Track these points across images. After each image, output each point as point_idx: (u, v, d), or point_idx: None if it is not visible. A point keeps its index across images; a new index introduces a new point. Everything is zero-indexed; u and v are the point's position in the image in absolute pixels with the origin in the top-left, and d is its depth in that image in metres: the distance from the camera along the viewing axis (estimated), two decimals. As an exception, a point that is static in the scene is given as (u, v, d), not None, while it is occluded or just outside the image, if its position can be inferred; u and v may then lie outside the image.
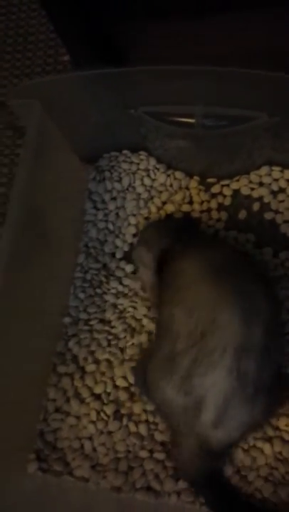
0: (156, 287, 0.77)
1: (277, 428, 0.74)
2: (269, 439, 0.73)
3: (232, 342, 0.61)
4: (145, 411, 0.77)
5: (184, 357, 0.63)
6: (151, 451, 0.75)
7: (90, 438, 0.78)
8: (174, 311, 0.66)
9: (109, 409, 0.78)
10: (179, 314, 0.65)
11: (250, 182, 0.89)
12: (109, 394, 0.79)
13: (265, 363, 0.64)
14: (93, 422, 0.78)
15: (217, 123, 0.75)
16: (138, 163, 0.91)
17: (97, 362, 0.82)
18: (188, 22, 0.76)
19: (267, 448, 0.73)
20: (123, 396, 0.79)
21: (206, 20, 0.74)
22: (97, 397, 0.80)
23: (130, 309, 0.84)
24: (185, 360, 0.63)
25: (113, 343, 0.82)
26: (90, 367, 0.81)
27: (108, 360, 0.82)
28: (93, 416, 0.78)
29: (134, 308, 0.84)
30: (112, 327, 0.84)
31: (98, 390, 0.80)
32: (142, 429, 0.76)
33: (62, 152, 0.83)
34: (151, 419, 0.77)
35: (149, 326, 0.82)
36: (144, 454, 0.75)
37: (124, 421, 0.77)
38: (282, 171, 0.88)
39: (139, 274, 0.81)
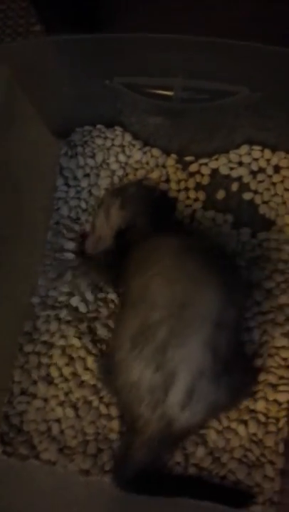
0: (114, 262, 0.74)
1: (252, 410, 0.72)
2: (244, 421, 0.71)
3: (211, 315, 0.61)
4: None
5: (160, 328, 0.61)
6: (121, 434, 0.73)
7: (58, 420, 0.75)
8: (150, 282, 0.64)
9: (78, 391, 0.75)
10: (156, 285, 0.63)
11: (230, 161, 0.87)
12: (79, 375, 0.76)
13: (234, 342, 0.64)
14: (61, 404, 0.75)
15: (196, 97, 0.72)
16: (113, 139, 0.88)
17: (66, 341, 0.79)
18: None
19: (241, 429, 0.71)
20: (93, 378, 0.76)
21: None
22: (66, 378, 0.77)
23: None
24: (160, 331, 0.61)
25: (82, 325, 0.79)
26: (58, 347, 0.78)
27: (79, 338, 0.78)
28: (61, 398, 0.75)
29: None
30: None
31: (67, 371, 0.77)
32: (113, 411, 0.74)
33: (32, 124, 0.79)
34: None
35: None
36: (113, 436, 0.73)
37: (95, 403, 0.74)
38: (262, 151, 0.86)
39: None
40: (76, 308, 0.80)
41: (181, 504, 0.67)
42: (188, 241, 0.69)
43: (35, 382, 0.77)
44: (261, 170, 0.86)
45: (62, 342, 0.78)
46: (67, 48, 0.71)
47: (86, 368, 0.77)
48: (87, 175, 0.87)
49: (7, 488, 0.70)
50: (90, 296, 0.80)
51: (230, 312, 0.63)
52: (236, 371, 0.65)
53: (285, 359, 0.74)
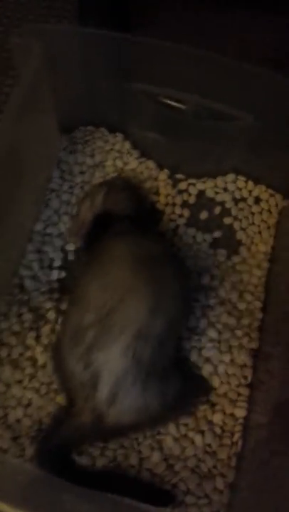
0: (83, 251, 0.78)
1: (210, 422, 0.74)
2: (201, 431, 0.73)
3: (133, 325, 0.63)
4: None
5: (89, 330, 0.64)
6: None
7: (15, 408, 0.73)
8: (91, 283, 0.67)
9: (44, 377, 0.74)
10: (94, 287, 0.66)
11: (216, 186, 0.91)
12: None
13: (160, 354, 0.66)
14: (24, 390, 0.73)
15: (204, 114, 0.76)
16: (113, 144, 0.91)
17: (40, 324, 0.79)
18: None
19: (198, 439, 0.72)
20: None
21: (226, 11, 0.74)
22: (34, 364, 0.76)
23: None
24: (89, 333, 0.64)
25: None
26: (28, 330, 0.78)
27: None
28: (25, 383, 0.74)
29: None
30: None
31: (41, 358, 0.76)
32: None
33: (45, 110, 0.80)
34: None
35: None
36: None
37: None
38: (246, 182, 0.92)
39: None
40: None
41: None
42: (141, 249, 0.70)
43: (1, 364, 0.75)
44: (243, 199, 0.91)
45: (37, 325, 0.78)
46: (91, 43, 0.73)
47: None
48: (83, 172, 0.89)
49: None
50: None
51: (157, 322, 0.65)
52: (173, 380, 0.68)
53: (245, 377, 0.77)
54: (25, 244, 0.84)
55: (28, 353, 0.77)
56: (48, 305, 0.80)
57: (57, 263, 0.83)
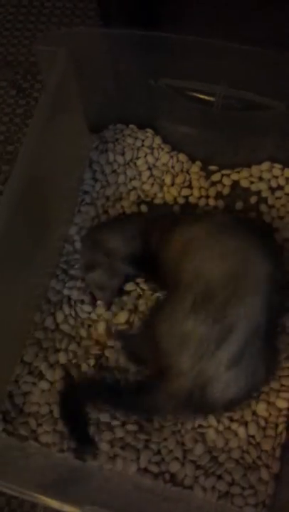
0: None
1: (254, 413, 0.74)
2: (245, 423, 0.73)
3: (265, 279, 0.66)
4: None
5: (219, 293, 0.65)
6: (124, 423, 0.73)
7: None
8: (202, 264, 0.69)
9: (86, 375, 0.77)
10: (209, 264, 0.68)
11: (251, 175, 0.90)
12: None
13: (276, 316, 0.70)
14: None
15: (235, 105, 0.75)
16: (143, 140, 0.91)
17: (79, 327, 0.81)
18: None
19: (241, 431, 0.73)
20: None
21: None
22: (77, 364, 0.78)
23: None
24: (220, 295, 0.65)
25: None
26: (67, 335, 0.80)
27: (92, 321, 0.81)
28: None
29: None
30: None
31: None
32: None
33: (74, 112, 0.81)
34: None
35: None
36: (115, 423, 0.74)
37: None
38: (282, 169, 0.90)
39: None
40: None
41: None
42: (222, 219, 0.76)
43: (43, 364, 0.78)
44: (280, 187, 0.90)
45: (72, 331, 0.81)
46: (117, 42, 0.74)
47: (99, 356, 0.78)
48: (114, 171, 0.90)
49: (6, 464, 0.70)
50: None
51: (278, 281, 0.68)
52: (273, 348, 0.70)
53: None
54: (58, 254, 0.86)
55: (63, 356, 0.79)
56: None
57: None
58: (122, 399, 0.70)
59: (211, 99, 0.76)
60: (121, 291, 0.81)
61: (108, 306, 0.80)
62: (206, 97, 0.76)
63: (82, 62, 0.74)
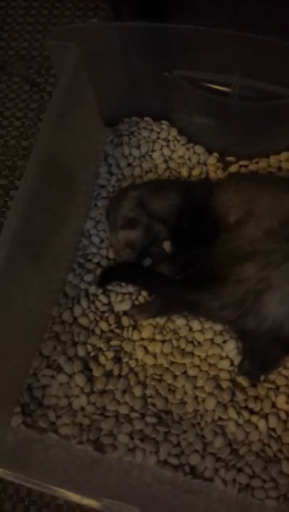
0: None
1: (274, 405, 0.73)
2: (265, 416, 0.72)
3: None
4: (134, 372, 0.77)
5: None
6: (142, 415, 0.73)
7: (78, 396, 0.75)
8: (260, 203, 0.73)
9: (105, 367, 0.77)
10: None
11: (270, 165, 0.89)
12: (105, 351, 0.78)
13: None
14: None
15: (251, 96, 0.74)
16: (158, 132, 0.91)
17: (99, 321, 0.81)
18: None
19: (262, 424, 0.72)
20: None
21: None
22: (95, 357, 0.78)
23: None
24: None
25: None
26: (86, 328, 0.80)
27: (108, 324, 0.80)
28: (86, 375, 0.76)
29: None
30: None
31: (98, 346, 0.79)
32: (137, 390, 0.75)
33: (88, 106, 0.81)
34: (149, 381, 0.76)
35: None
36: (134, 415, 0.74)
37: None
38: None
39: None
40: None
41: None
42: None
43: (61, 357, 0.78)
44: (299, 176, 0.88)
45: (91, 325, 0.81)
46: (129, 36, 0.74)
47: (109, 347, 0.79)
48: (130, 164, 0.89)
49: (25, 457, 0.70)
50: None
51: None
52: None
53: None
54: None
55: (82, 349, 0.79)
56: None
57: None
58: (168, 287, 0.73)
59: (227, 89, 0.75)
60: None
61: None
62: (221, 88, 0.75)
63: (94, 56, 0.74)
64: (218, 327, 0.77)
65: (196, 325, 0.78)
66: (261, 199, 0.74)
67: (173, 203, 0.80)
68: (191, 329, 0.78)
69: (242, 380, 0.74)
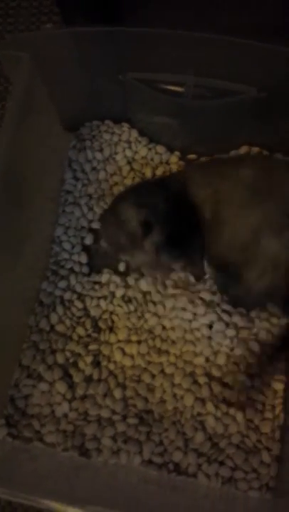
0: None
1: (250, 398, 0.75)
2: (242, 407, 0.74)
3: None
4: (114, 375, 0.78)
5: None
6: (124, 417, 0.75)
7: (61, 403, 0.77)
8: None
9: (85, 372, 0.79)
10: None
11: (230, 160, 0.90)
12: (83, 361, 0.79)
13: None
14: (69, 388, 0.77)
15: (205, 94, 0.75)
16: (120, 134, 0.91)
17: (75, 326, 0.82)
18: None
19: (239, 416, 0.74)
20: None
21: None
22: (74, 363, 0.79)
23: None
24: None
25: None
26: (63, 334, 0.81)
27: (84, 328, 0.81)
28: (67, 381, 0.77)
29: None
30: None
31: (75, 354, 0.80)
32: (116, 393, 0.77)
33: (45, 114, 0.81)
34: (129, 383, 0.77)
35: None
36: (116, 417, 0.75)
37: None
38: (261, 152, 0.90)
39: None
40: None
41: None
42: None
43: (41, 366, 0.79)
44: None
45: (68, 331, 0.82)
46: (82, 41, 0.74)
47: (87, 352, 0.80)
48: (94, 168, 0.90)
49: (12, 470, 0.71)
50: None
51: None
52: None
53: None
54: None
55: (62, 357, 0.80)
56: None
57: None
58: None
59: (180, 89, 0.75)
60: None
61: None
62: (176, 88, 0.76)
63: (49, 63, 0.74)
64: (187, 324, 0.79)
65: (167, 322, 0.80)
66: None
67: (167, 198, 0.78)
68: (164, 328, 0.80)
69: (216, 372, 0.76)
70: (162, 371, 0.78)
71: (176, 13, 0.75)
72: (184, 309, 0.79)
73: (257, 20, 0.77)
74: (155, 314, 0.80)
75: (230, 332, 0.78)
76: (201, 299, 0.80)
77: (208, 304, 0.79)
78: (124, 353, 0.79)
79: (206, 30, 0.68)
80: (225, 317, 0.78)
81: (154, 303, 0.81)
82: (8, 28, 1.03)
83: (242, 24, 0.74)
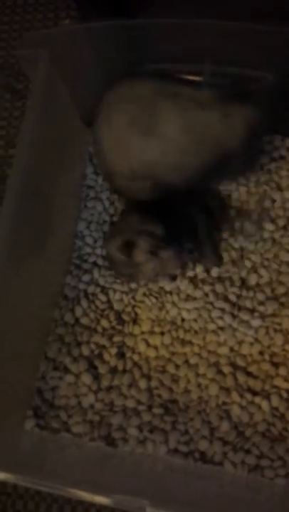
0: None
1: (274, 386, 0.75)
2: (267, 396, 0.74)
3: None
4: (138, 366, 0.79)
5: None
6: (149, 407, 0.76)
7: (87, 394, 0.78)
8: None
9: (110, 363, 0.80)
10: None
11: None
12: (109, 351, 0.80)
13: None
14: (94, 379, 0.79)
15: (223, 82, 0.74)
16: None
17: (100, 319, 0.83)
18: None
19: (265, 404, 0.74)
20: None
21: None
22: (99, 355, 0.80)
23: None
24: None
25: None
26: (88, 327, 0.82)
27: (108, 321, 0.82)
28: (92, 373, 0.78)
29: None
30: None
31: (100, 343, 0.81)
32: (142, 383, 0.78)
33: (66, 110, 0.82)
34: (153, 373, 0.78)
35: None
36: (142, 407, 0.76)
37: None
38: (282, 140, 0.89)
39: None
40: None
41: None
42: None
43: (67, 358, 0.81)
44: (281, 157, 0.89)
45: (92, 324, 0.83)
46: (99, 35, 0.74)
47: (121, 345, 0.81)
48: (115, 162, 0.90)
49: (40, 460, 0.73)
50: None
51: None
52: None
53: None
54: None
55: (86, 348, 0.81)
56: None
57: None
58: None
59: (198, 79, 0.75)
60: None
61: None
62: (192, 78, 0.76)
63: (67, 59, 0.74)
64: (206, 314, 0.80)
65: (185, 314, 0.80)
66: None
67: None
68: (183, 319, 0.80)
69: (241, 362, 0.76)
70: (186, 361, 0.78)
71: (186, 7, 0.74)
72: (202, 301, 0.80)
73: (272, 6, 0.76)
74: (175, 305, 0.81)
75: (255, 322, 0.77)
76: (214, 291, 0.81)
77: (224, 296, 0.80)
78: (148, 345, 0.80)
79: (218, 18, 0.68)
80: (248, 305, 0.78)
81: (171, 293, 0.82)
82: (27, 25, 1.05)
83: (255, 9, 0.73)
